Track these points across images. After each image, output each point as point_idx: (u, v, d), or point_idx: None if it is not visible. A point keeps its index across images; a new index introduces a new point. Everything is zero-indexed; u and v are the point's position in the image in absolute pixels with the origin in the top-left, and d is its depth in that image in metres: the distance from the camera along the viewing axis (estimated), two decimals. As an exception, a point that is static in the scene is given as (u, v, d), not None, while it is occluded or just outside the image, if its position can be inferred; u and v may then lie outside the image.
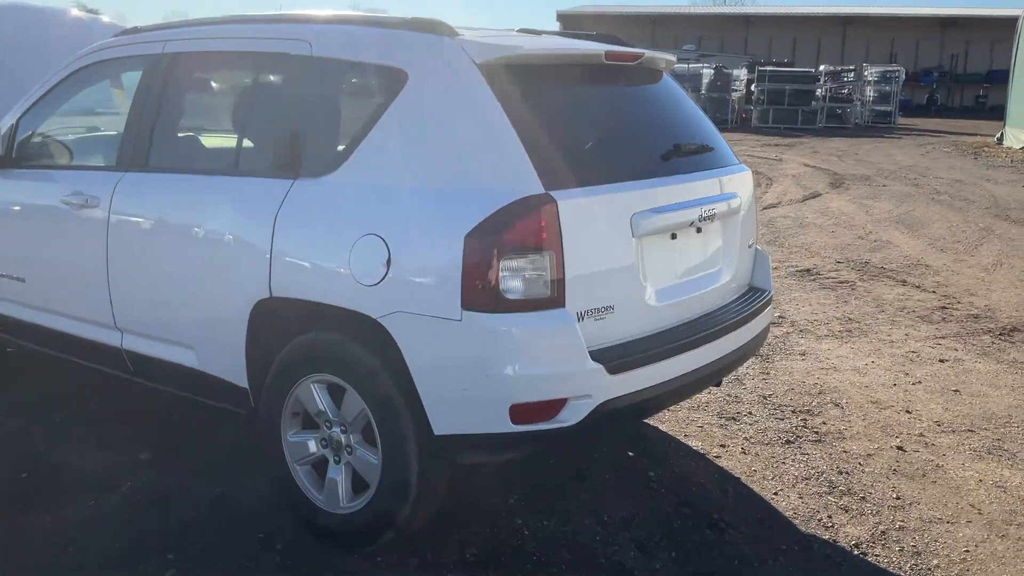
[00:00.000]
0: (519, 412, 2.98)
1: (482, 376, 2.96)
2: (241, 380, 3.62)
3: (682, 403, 4.99)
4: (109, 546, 3.45)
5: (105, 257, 3.97)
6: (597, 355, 3.07)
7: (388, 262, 3.08)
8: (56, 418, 4.65)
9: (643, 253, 3.28)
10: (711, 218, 3.59)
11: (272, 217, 3.38)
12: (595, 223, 3.13)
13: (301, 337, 3.38)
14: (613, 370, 3.08)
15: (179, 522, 3.63)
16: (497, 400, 2.97)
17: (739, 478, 4.16)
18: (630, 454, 4.38)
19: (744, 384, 5.38)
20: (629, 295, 3.24)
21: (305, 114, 3.47)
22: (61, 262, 4.26)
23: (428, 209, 3.10)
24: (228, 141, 3.73)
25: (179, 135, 3.94)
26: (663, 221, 3.34)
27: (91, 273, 4.05)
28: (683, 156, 3.61)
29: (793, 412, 4.94)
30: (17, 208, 4.46)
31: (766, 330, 4.10)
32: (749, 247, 4.05)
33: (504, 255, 2.91)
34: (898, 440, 4.61)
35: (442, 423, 3.06)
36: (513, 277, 2.94)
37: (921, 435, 4.68)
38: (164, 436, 4.42)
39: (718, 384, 4.43)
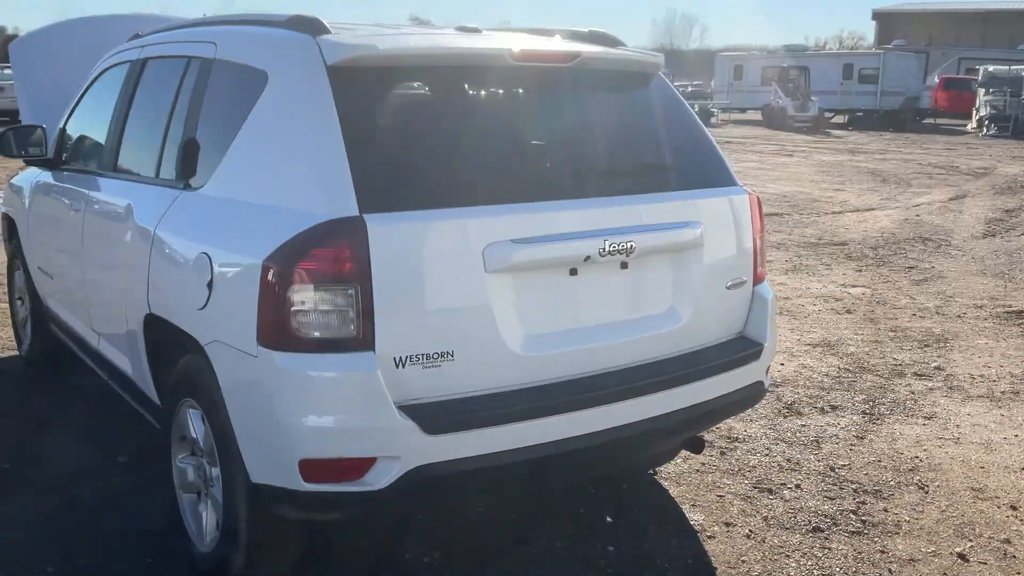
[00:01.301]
0: (310, 470, 2.56)
1: (273, 424, 2.58)
2: (153, 395, 3.50)
3: (716, 463, 4.22)
4: (7, 547, 3.46)
5: (82, 257, 4.03)
6: (416, 410, 2.57)
7: (210, 284, 2.80)
8: (71, 412, 4.82)
9: (505, 291, 2.71)
10: (627, 251, 2.89)
11: (152, 230, 3.22)
12: (427, 254, 2.62)
13: (183, 358, 3.18)
14: (433, 429, 2.56)
15: (105, 532, 3.56)
16: (287, 453, 2.58)
17: (715, 569, 3.40)
18: (608, 519, 3.75)
19: (821, 447, 4.47)
20: (478, 341, 2.68)
21: (200, 120, 3.26)
22: (65, 261, 4.39)
23: (245, 229, 2.77)
24: (155, 148, 3.62)
25: (133, 140, 3.90)
26: (534, 254, 2.74)
27: (74, 273, 4.13)
28: (599, 177, 2.99)
29: (855, 491, 4.00)
30: (51, 209, 4.67)
31: (746, 394, 3.31)
32: (731, 288, 3.29)
33: (298, 286, 2.51)
34: (969, 544, 3.57)
35: (254, 470, 2.72)
36: (308, 312, 2.53)
37: (1007, 541, 3.60)
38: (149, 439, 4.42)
39: (697, 450, 3.67)
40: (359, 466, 2.55)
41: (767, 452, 4.40)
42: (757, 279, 3.41)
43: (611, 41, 3.54)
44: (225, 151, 3.00)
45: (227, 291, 2.72)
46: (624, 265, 2.96)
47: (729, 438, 4.56)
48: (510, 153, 2.95)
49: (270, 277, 2.53)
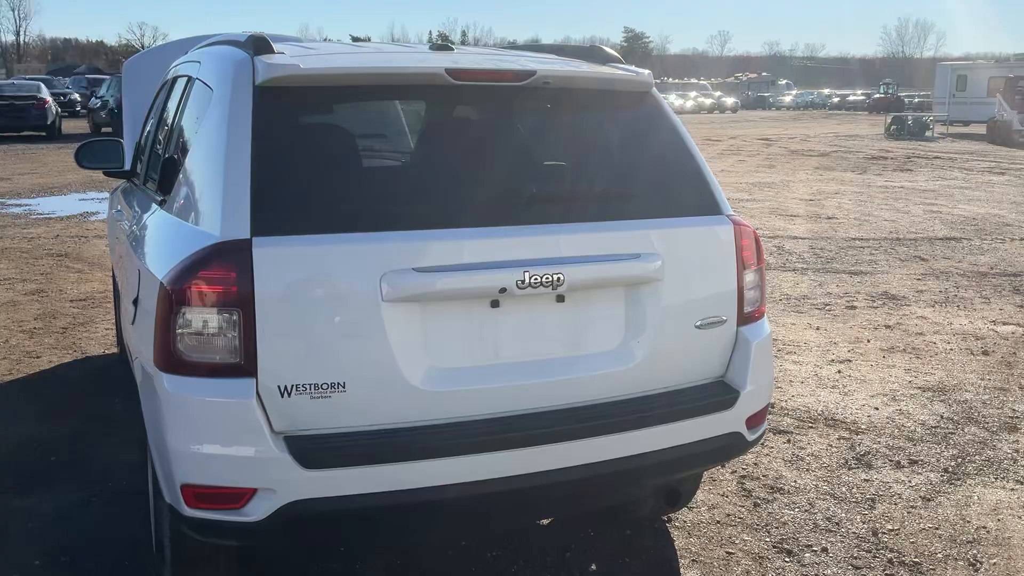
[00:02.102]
0: (191, 495, 2.53)
1: (164, 445, 2.58)
2: None
3: (744, 515, 3.86)
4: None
5: (124, 270, 4.23)
6: (297, 442, 2.48)
7: (136, 301, 2.84)
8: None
9: (408, 322, 2.57)
10: (555, 283, 2.66)
11: (129, 245, 3.33)
12: (318, 280, 2.53)
13: None
14: (310, 463, 2.47)
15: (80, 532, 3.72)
16: (172, 476, 2.56)
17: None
18: (592, 567, 3.50)
19: (875, 507, 3.98)
20: (373, 373, 2.55)
21: (178, 137, 3.34)
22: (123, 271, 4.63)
23: (166, 248, 2.79)
24: (156, 164, 3.72)
25: (151, 155, 4.03)
26: (439, 284, 2.58)
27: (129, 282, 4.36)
28: (533, 204, 2.77)
29: (889, 562, 3.53)
30: (116, 219, 4.94)
31: (717, 445, 2.98)
32: (703, 327, 2.97)
33: (184, 308, 2.50)
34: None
35: (163, 489, 2.73)
36: (193, 335, 2.50)
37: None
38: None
39: (672, 503, 3.34)
40: (238, 496, 2.49)
41: (808, 507, 3.97)
42: (744, 319, 3.07)
43: (602, 57, 3.31)
44: (180, 168, 3.05)
45: (144, 309, 2.75)
46: (561, 299, 2.74)
47: (772, 487, 4.16)
48: (427, 177, 2.81)
49: (163, 298, 2.53)
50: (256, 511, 2.48)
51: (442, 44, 3.18)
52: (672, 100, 62.58)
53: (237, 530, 2.52)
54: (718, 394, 2.97)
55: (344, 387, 2.51)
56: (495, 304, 2.65)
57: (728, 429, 2.98)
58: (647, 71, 3.17)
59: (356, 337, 2.53)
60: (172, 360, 2.50)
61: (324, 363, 2.50)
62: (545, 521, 3.77)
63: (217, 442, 2.48)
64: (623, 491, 3.09)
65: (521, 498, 2.71)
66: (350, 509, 2.50)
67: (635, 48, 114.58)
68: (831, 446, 4.65)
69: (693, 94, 67.94)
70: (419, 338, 2.58)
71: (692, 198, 3.04)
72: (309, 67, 2.71)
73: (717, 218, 3.02)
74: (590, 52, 3.30)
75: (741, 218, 3.11)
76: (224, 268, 2.45)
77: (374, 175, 2.73)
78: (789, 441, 4.70)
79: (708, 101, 65.40)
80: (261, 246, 2.46)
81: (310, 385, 2.49)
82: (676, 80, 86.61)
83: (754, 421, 3.11)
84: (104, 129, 26.51)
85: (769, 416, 4.80)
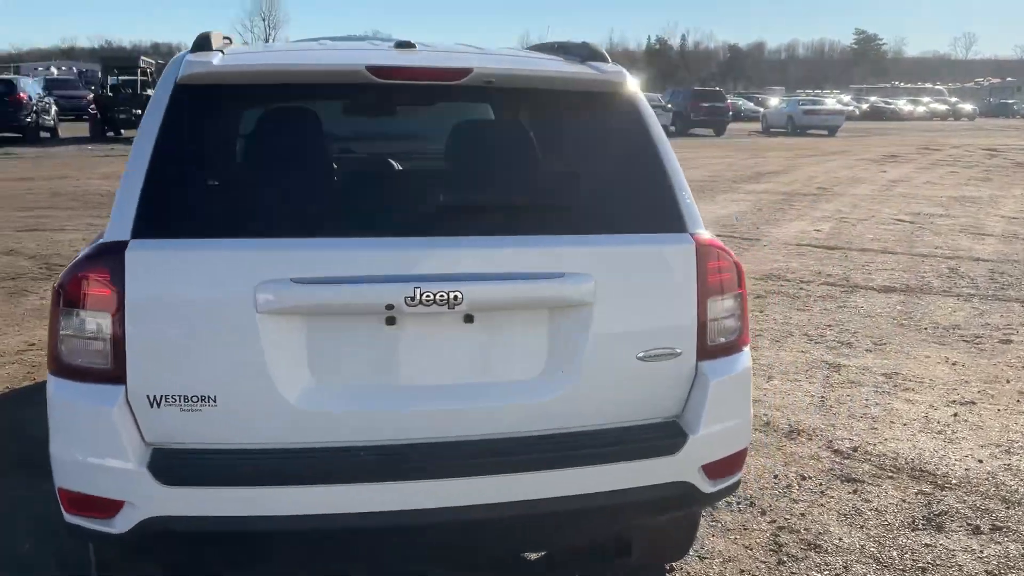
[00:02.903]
0: (68, 500, 2.49)
1: (49, 448, 2.55)
2: None
3: (763, 574, 3.42)
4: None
5: None
6: (161, 456, 2.38)
7: None
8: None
9: (288, 336, 2.40)
10: (453, 302, 2.41)
11: None
12: (192, 287, 2.41)
13: None
14: (169, 479, 2.36)
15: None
16: (54, 480, 2.53)
17: None
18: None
19: (923, 579, 3.42)
20: (246, 388, 2.40)
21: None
22: None
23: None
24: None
25: None
26: (319, 297, 2.39)
27: None
28: (441, 215, 2.53)
29: (911, 647, 3.00)
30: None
31: (661, 495, 2.61)
32: (648, 359, 2.61)
33: (64, 310, 2.46)
34: None
35: None
36: (71, 337, 2.45)
37: None
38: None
39: (623, 555, 2.95)
40: (108, 506, 2.42)
41: (842, 571, 3.46)
42: (706, 352, 2.68)
43: (587, 55, 3.00)
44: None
45: None
46: (469, 319, 2.48)
47: (809, 543, 3.67)
48: (321, 182, 2.62)
49: (52, 297, 2.51)
50: (121, 523, 2.40)
51: (404, 42, 2.98)
52: (901, 106, 58.74)
53: (105, 540, 2.45)
54: (661, 437, 2.60)
55: (215, 401, 2.38)
56: (391, 322, 2.44)
57: (675, 478, 2.61)
58: (618, 69, 2.84)
59: (229, 349, 2.39)
60: (56, 362, 2.47)
61: (195, 375, 2.38)
62: (533, 556, 3.50)
63: (88, 449, 2.43)
64: (540, 538, 2.77)
65: (415, 536, 2.47)
66: (213, 531, 2.37)
67: (867, 51, 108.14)
68: (904, 501, 4.05)
69: (926, 99, 63.54)
70: (301, 354, 2.41)
71: (649, 212, 2.69)
72: (224, 64, 2.61)
73: (674, 236, 2.65)
74: (579, 49, 3.00)
75: (711, 238, 2.72)
76: (99, 270, 2.39)
77: (265, 179, 2.58)
78: (855, 491, 4.14)
79: (942, 107, 60.86)
80: (135, 249, 2.38)
81: (180, 397, 2.38)
82: (908, 84, 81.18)
83: (717, 471, 2.71)
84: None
85: (845, 461, 4.26)
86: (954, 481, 4.26)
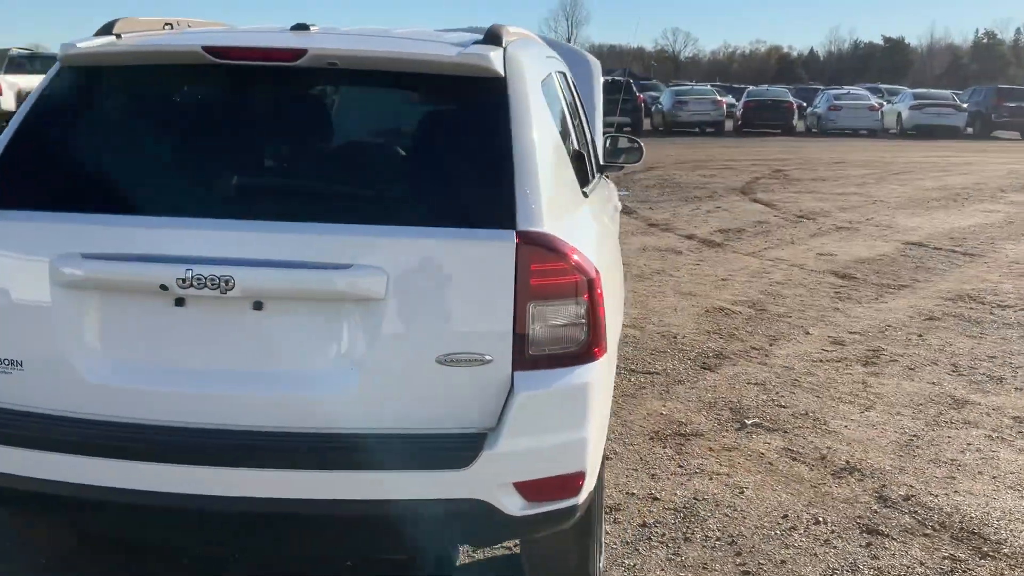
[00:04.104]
0: None
1: None
2: None
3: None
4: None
5: None
6: None
7: None
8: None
9: (81, 309, 2.46)
10: (225, 286, 2.33)
11: None
12: (7, 257, 2.54)
13: None
14: None
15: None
16: None
17: None
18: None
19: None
20: (44, 356, 2.48)
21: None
22: None
23: None
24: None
25: None
26: (102, 272, 2.42)
27: None
28: (236, 196, 2.47)
29: None
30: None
31: (452, 510, 2.40)
32: (450, 364, 2.40)
33: None
34: None
35: None
36: None
37: None
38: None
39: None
40: None
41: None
42: (525, 362, 2.42)
43: (487, 37, 2.81)
44: None
45: None
46: (259, 306, 2.42)
47: (764, 595, 3.23)
48: (131, 161, 2.62)
49: None
50: None
51: (300, 24, 2.95)
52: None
53: None
54: (452, 448, 2.39)
55: (21, 366, 2.50)
56: (180, 302, 2.44)
57: (467, 495, 2.39)
58: (481, 52, 2.63)
59: (29, 319, 2.50)
60: None
61: (5, 340, 2.51)
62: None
63: None
64: (324, 542, 2.62)
65: (178, 518, 2.46)
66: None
67: (991, 45, 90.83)
68: (920, 564, 3.45)
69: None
70: (95, 328, 2.47)
71: (476, 206, 2.47)
72: (80, 48, 2.71)
73: (491, 233, 2.42)
74: (484, 33, 2.82)
75: (551, 238, 2.45)
76: None
77: (77, 156, 2.64)
78: (868, 545, 3.58)
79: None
80: None
81: None
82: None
83: (534, 493, 2.45)
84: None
85: (883, 510, 3.74)
86: (1006, 550, 3.56)
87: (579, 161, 3.25)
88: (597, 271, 2.55)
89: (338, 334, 2.42)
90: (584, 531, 2.86)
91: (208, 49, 2.57)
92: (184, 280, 2.36)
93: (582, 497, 2.53)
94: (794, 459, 4.36)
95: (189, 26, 3.27)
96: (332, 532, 2.51)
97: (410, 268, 2.39)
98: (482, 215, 2.44)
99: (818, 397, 5.24)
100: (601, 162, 5.06)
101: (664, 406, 5.01)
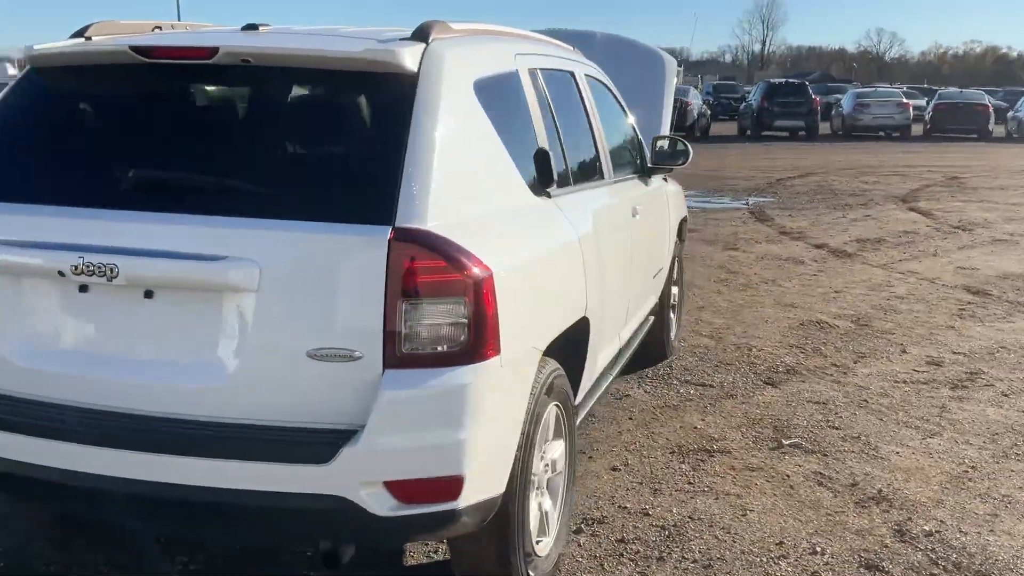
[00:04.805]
0: None
1: None
2: None
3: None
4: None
5: None
6: None
7: None
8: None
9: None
10: (110, 274, 2.43)
11: None
12: None
13: None
14: None
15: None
16: None
17: None
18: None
19: None
20: None
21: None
22: None
23: None
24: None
25: None
26: (6, 257, 2.58)
27: None
28: (131, 188, 2.57)
29: None
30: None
31: (302, 506, 2.40)
32: (320, 358, 2.39)
33: None
34: None
35: None
36: None
37: None
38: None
39: (330, 565, 2.65)
40: None
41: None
42: (398, 359, 2.38)
43: (415, 34, 2.80)
44: None
45: None
46: (149, 295, 2.51)
47: (717, 625, 3.03)
48: (49, 153, 2.75)
49: None
50: None
51: (250, 25, 3.03)
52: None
53: None
54: (315, 443, 2.38)
55: None
56: (84, 288, 2.56)
57: (329, 491, 2.37)
58: (390, 49, 2.61)
59: None
60: None
61: None
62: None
63: None
64: (182, 526, 2.64)
65: (72, 493, 2.58)
66: None
67: None
68: (911, 608, 3.13)
69: None
70: (8, 309, 2.63)
71: (357, 201, 2.46)
72: (37, 50, 2.89)
73: (364, 228, 2.39)
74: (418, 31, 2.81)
75: (427, 233, 2.41)
76: None
77: (15, 147, 2.80)
78: (861, 581, 3.28)
79: None
80: None
81: None
82: None
83: (404, 493, 2.41)
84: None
85: (896, 545, 3.50)
86: (1021, 601, 3.17)
87: (545, 161, 3.16)
88: (490, 272, 2.47)
89: (215, 325, 2.47)
90: (500, 539, 2.78)
91: (135, 49, 2.69)
92: (76, 268, 2.48)
93: (462, 502, 2.46)
94: (820, 484, 4.05)
95: (184, 29, 3.42)
96: (199, 518, 2.56)
97: (283, 262, 2.41)
98: (360, 211, 2.43)
99: (881, 420, 4.85)
100: (648, 164, 4.90)
101: (702, 420, 4.78)
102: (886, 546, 3.51)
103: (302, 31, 3.10)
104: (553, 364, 3.02)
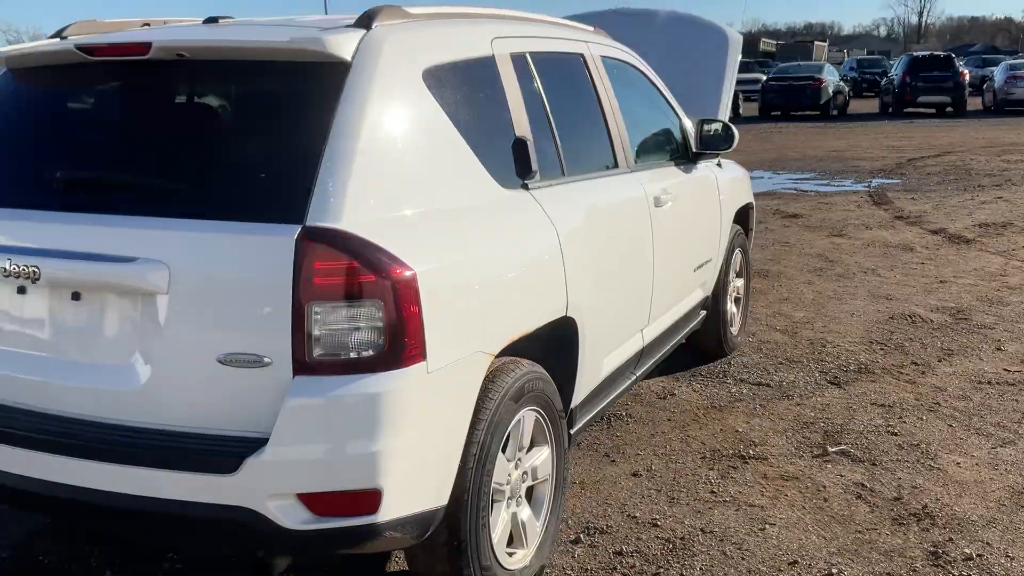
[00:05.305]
0: None
1: None
2: None
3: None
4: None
5: None
6: None
7: None
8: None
9: None
10: (32, 276, 2.44)
11: None
12: None
13: None
14: None
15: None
16: None
17: None
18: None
19: None
20: None
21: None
22: None
23: None
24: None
25: None
26: None
27: None
28: (57, 188, 2.57)
29: None
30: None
31: (208, 516, 2.33)
32: (229, 363, 2.31)
33: None
34: None
35: None
36: None
37: None
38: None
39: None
40: None
41: None
42: (307, 366, 2.27)
43: (360, 21, 2.68)
44: None
45: None
46: (76, 296, 2.50)
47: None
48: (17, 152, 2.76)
49: None
50: None
51: (211, 18, 2.97)
52: None
53: None
54: (220, 452, 2.30)
55: None
56: (22, 291, 2.57)
57: (236, 502, 2.29)
58: (317, 37, 2.49)
59: None
60: None
61: None
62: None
63: None
64: (110, 527, 2.59)
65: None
66: None
67: None
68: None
69: None
70: None
71: (271, 200, 2.37)
72: (6, 50, 2.93)
73: (273, 228, 2.29)
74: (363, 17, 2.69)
75: (339, 233, 2.28)
76: None
77: None
78: (872, 610, 2.97)
79: None
80: None
81: None
82: None
83: (319, 506, 2.31)
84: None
85: (925, 569, 3.24)
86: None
87: (523, 152, 2.98)
88: (413, 273, 2.33)
89: (130, 328, 2.44)
90: (453, 552, 2.64)
91: (80, 47, 2.67)
92: (5, 270, 2.49)
93: (383, 516, 2.33)
94: (859, 497, 3.71)
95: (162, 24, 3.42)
96: (117, 522, 2.54)
97: (194, 263, 2.34)
98: (272, 209, 2.33)
99: (950, 425, 4.42)
100: (694, 148, 4.63)
101: (747, 423, 4.48)
102: (914, 570, 3.17)
103: (259, 23, 3.02)
104: (525, 368, 2.85)
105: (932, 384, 4.99)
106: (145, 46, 2.58)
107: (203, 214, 2.38)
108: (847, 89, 29.30)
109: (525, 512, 3.02)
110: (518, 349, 2.86)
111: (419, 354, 2.34)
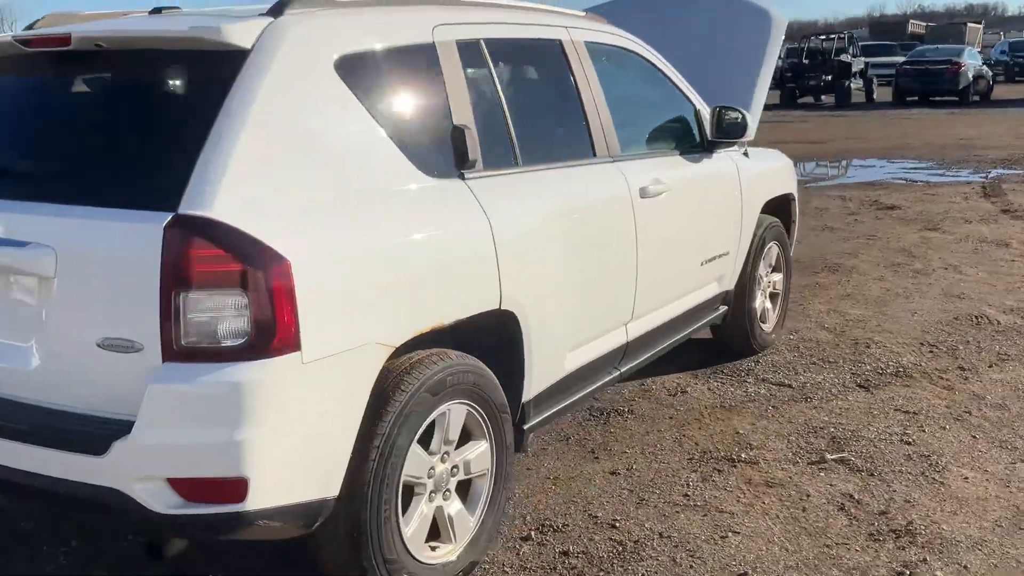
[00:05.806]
0: None
1: None
2: None
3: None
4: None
5: None
6: None
7: None
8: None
9: None
10: None
11: None
12: None
13: None
14: None
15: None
16: None
17: None
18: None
19: None
20: None
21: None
22: None
23: None
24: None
25: None
26: None
27: None
28: None
29: None
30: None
31: (77, 494, 2.41)
32: (106, 348, 2.37)
33: None
34: None
35: None
36: None
37: None
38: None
39: (153, 555, 2.58)
40: None
41: None
42: (176, 353, 2.30)
43: (271, 10, 2.70)
44: None
45: None
46: None
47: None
48: None
49: None
50: None
51: (156, 8, 3.04)
52: None
53: None
54: (91, 434, 2.37)
55: None
56: None
57: (105, 483, 2.35)
58: (221, 26, 2.51)
59: None
60: None
61: None
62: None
63: None
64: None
65: None
66: None
67: None
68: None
69: None
70: None
71: (150, 187, 2.42)
72: None
73: (143, 214, 2.33)
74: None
75: (208, 220, 2.30)
76: None
77: None
78: (807, 630, 2.79)
79: None
80: None
81: None
82: None
83: (188, 491, 2.34)
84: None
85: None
86: None
87: (459, 141, 2.93)
88: (286, 262, 2.32)
89: (25, 309, 2.52)
90: (351, 543, 2.64)
91: (17, 39, 2.79)
92: None
93: (250, 504, 2.35)
94: (841, 508, 3.49)
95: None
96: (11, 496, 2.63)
97: (77, 248, 2.42)
98: (149, 196, 2.38)
99: (973, 437, 4.10)
100: (710, 137, 4.45)
101: (751, 425, 4.28)
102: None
103: (196, 13, 3.06)
104: (450, 361, 2.81)
105: (971, 391, 4.65)
106: (67, 37, 2.66)
107: (90, 200, 2.45)
108: (990, 74, 27.49)
109: (454, 506, 2.98)
110: (440, 341, 2.82)
111: (291, 344, 2.33)
